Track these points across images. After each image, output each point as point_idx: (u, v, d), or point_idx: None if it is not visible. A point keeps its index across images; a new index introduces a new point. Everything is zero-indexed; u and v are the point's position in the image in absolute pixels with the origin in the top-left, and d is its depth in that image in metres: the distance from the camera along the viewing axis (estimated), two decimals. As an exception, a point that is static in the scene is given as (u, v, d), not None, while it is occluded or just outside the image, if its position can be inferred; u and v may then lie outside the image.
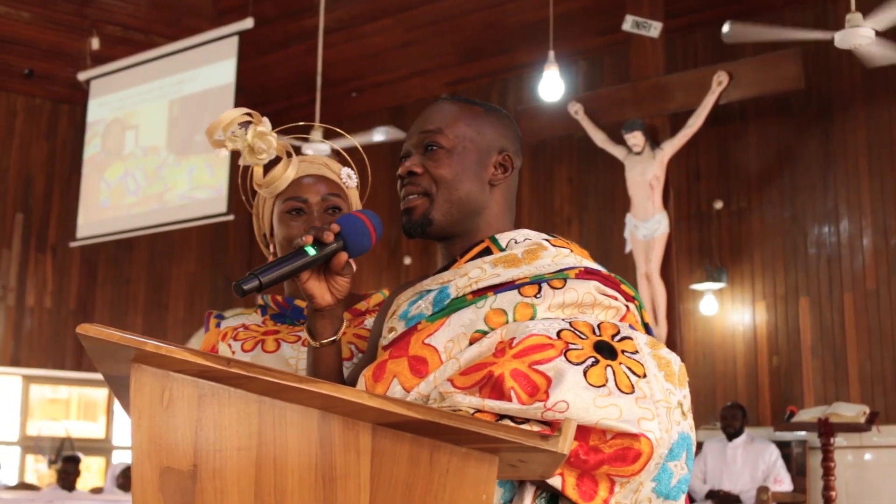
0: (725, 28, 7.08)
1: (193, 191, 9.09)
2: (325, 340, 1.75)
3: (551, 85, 7.59)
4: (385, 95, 10.48)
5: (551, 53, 7.57)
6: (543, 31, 8.06)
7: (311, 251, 1.65)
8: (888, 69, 7.93)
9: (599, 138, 8.09)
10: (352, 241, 1.68)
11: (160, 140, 9.45)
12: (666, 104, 7.90)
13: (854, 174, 8.11)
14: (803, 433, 7.48)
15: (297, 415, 1.29)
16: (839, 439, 7.16)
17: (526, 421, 1.47)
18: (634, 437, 1.45)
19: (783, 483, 7.27)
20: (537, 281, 1.66)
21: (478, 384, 1.51)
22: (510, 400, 1.47)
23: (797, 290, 8.26)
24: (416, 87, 10.26)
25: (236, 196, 8.51)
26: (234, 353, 2.10)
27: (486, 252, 1.76)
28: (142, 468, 1.28)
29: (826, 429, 6.55)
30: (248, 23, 8.52)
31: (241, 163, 2.03)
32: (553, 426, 1.45)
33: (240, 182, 2.21)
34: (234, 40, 8.67)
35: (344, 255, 1.68)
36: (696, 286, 8.62)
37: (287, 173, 2.10)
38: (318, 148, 7.20)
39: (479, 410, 1.48)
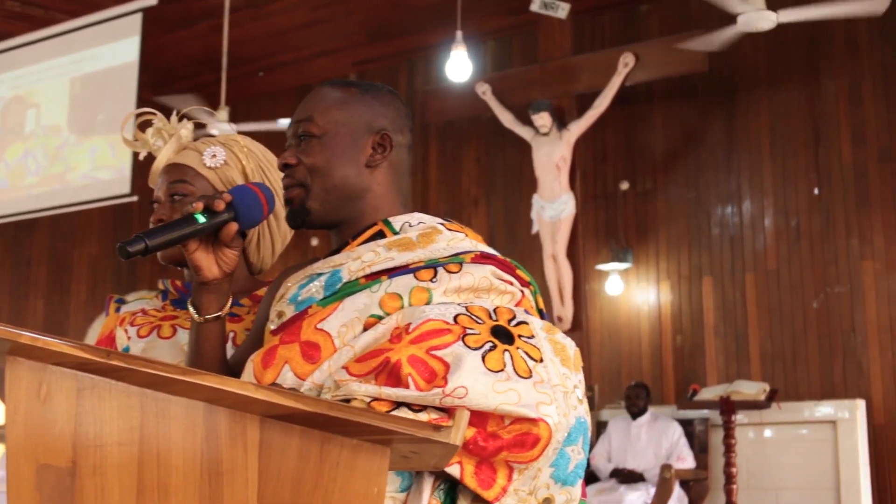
0: None
1: (96, 171, 8.90)
2: (210, 315, 1.71)
3: (459, 65, 7.58)
4: (292, 75, 10.35)
5: (459, 34, 7.55)
6: (452, 11, 8.04)
7: (201, 219, 1.61)
8: (790, 53, 8.07)
9: (507, 119, 8.11)
10: (243, 212, 1.65)
11: (62, 119, 9.23)
12: (573, 85, 7.95)
13: (756, 156, 8.24)
14: (706, 411, 7.60)
15: (181, 408, 1.24)
16: (740, 416, 7.29)
17: (424, 408, 1.44)
18: (533, 421, 1.44)
19: (686, 460, 7.38)
20: (433, 265, 1.64)
21: (374, 371, 1.48)
22: (407, 387, 1.44)
23: (700, 270, 8.38)
24: (324, 66, 10.15)
25: (140, 177, 8.35)
26: (129, 338, 2.06)
27: (379, 235, 1.73)
28: (17, 465, 1.23)
29: (728, 407, 6.67)
30: (151, -1, 8.36)
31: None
32: (451, 412, 1.42)
33: None
34: (138, 17, 8.49)
35: (234, 226, 1.64)
36: (602, 266, 8.69)
37: (155, 165, 2.11)
38: (222, 128, 7.09)
39: (375, 399, 1.45)
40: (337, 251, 1.75)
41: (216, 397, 1.23)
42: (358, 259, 1.68)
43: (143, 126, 2.12)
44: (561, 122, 7.82)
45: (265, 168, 2.12)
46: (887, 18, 7.78)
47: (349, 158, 1.76)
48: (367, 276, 1.65)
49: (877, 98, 7.86)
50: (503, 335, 1.53)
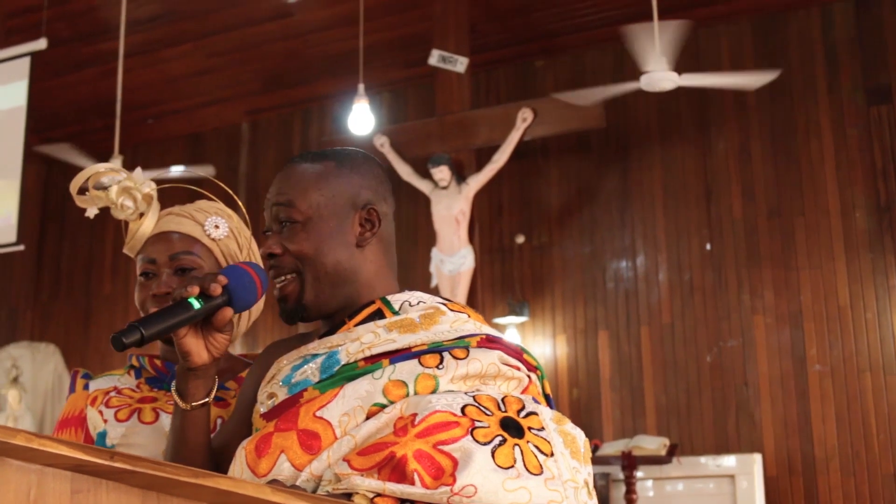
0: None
1: (-22, 218, 8.55)
2: (197, 403, 1.60)
3: (361, 118, 7.52)
4: (183, 122, 10.16)
5: (361, 87, 7.50)
6: (347, 62, 7.99)
7: (196, 304, 1.50)
8: (681, 110, 8.25)
9: (405, 172, 8.07)
10: (238, 295, 1.55)
11: (-59, 164, 8.86)
12: (471, 139, 7.96)
13: (650, 211, 8.36)
14: (606, 466, 7.61)
15: (185, 511, 1.15)
16: (640, 471, 7.32)
17: None
18: None
19: (587, 516, 7.37)
20: (437, 349, 1.55)
21: (377, 465, 1.39)
22: (413, 483, 1.36)
23: (596, 324, 8.44)
24: (215, 115, 10.00)
25: (27, 225, 8.07)
26: (106, 420, 1.89)
27: (378, 314, 1.64)
28: (6, 579, 1.12)
29: (630, 462, 6.69)
30: (41, 43, 8.09)
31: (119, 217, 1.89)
32: (459, 510, 1.35)
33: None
34: (26, 61, 8.21)
35: (229, 311, 1.54)
36: (499, 320, 8.68)
37: (141, 230, 1.92)
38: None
39: (378, 494, 1.36)
40: (332, 331, 1.65)
41: (224, 500, 1.14)
42: (357, 340, 1.59)
43: (97, 184, 1.96)
44: (460, 175, 7.83)
45: (250, 240, 2.00)
46: (775, 78, 8.02)
47: (339, 242, 1.66)
48: (366, 359, 1.56)
49: (765, 155, 8.06)
50: (513, 428, 1.46)
